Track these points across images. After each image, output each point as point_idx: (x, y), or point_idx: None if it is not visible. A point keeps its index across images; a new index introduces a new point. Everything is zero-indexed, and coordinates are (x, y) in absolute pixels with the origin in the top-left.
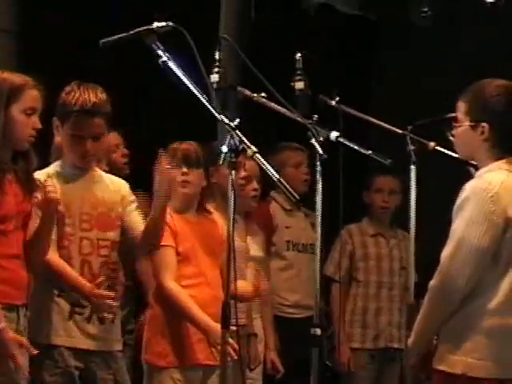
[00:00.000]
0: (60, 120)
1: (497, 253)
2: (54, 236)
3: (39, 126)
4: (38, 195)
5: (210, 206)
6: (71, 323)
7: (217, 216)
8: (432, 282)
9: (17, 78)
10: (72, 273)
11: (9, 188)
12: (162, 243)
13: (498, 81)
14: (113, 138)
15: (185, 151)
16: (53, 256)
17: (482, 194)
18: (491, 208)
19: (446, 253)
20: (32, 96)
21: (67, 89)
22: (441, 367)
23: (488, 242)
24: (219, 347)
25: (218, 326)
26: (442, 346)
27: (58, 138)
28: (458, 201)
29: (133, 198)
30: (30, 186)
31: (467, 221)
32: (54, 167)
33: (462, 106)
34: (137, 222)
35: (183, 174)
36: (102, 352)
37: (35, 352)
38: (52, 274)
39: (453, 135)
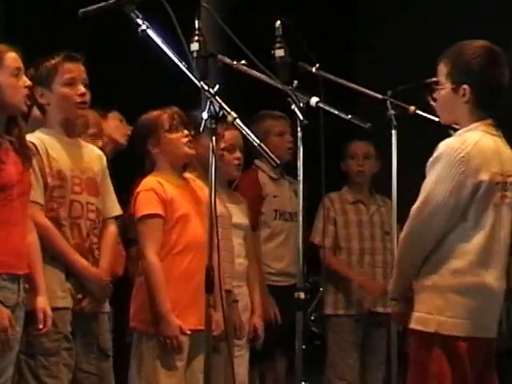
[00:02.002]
0: (46, 83)
1: (465, 213)
2: (41, 200)
3: (29, 82)
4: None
5: (191, 175)
6: (67, 284)
7: (200, 183)
8: (401, 234)
9: None
10: (67, 248)
11: (7, 157)
12: (150, 212)
13: (477, 42)
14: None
15: (181, 114)
16: (45, 221)
17: (453, 153)
18: (460, 168)
19: (414, 207)
20: (13, 57)
21: (43, 59)
22: (415, 326)
23: (453, 202)
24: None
25: (176, 321)
26: (416, 306)
27: (36, 112)
28: (431, 158)
29: (108, 175)
30: (26, 153)
31: (436, 179)
32: (38, 134)
33: (442, 69)
34: (106, 205)
35: (187, 135)
36: (91, 314)
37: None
38: (42, 239)
39: (434, 99)
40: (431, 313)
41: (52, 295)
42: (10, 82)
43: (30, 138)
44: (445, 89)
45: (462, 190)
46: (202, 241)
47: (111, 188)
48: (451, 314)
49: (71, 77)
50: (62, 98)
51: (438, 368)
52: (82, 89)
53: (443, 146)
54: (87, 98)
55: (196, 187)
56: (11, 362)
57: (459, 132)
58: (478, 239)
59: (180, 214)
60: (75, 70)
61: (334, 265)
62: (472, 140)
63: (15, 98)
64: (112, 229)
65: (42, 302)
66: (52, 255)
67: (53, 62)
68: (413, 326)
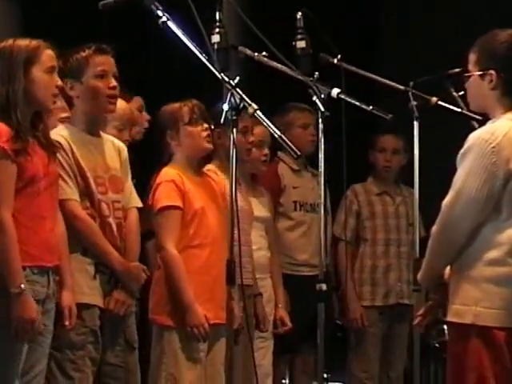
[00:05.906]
0: (76, 75)
1: (498, 203)
2: (77, 197)
3: (60, 82)
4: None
5: (212, 166)
6: (95, 282)
7: (218, 175)
8: (433, 229)
9: (31, 42)
10: (104, 241)
11: (33, 152)
12: (169, 203)
13: (508, 30)
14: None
15: (201, 107)
16: (84, 215)
17: (483, 144)
18: (492, 159)
19: (446, 201)
20: (49, 55)
21: (72, 51)
22: (452, 319)
23: (486, 193)
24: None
25: (200, 310)
26: (452, 298)
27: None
28: (462, 150)
29: (128, 166)
30: (51, 148)
31: (467, 172)
32: (61, 130)
33: (471, 58)
34: (127, 197)
35: (206, 129)
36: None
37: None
38: (81, 232)
39: (465, 89)
40: (467, 304)
41: (79, 290)
42: (43, 78)
43: (54, 135)
44: (473, 76)
45: (494, 181)
46: (219, 235)
47: (130, 180)
48: (488, 305)
49: (103, 69)
50: (93, 90)
51: (477, 360)
52: (113, 82)
53: (473, 137)
54: (117, 91)
55: (213, 181)
56: (43, 356)
57: (488, 123)
58: (511, 232)
59: (196, 207)
60: (106, 62)
61: (341, 260)
62: (502, 130)
63: (45, 95)
64: (133, 218)
65: (67, 297)
66: (86, 247)
67: (83, 54)
68: (449, 318)
